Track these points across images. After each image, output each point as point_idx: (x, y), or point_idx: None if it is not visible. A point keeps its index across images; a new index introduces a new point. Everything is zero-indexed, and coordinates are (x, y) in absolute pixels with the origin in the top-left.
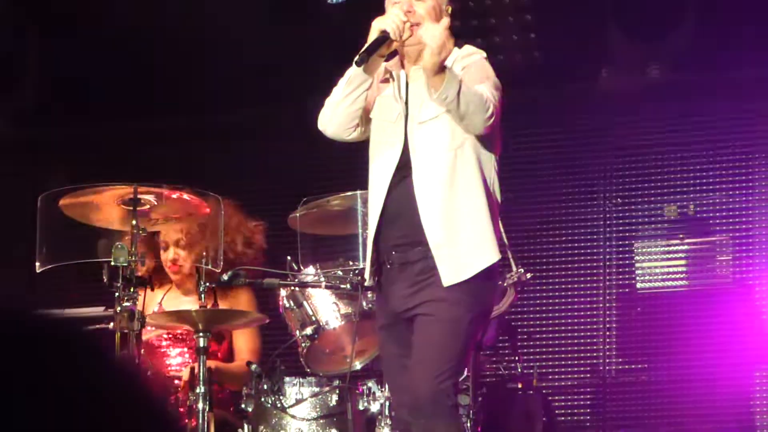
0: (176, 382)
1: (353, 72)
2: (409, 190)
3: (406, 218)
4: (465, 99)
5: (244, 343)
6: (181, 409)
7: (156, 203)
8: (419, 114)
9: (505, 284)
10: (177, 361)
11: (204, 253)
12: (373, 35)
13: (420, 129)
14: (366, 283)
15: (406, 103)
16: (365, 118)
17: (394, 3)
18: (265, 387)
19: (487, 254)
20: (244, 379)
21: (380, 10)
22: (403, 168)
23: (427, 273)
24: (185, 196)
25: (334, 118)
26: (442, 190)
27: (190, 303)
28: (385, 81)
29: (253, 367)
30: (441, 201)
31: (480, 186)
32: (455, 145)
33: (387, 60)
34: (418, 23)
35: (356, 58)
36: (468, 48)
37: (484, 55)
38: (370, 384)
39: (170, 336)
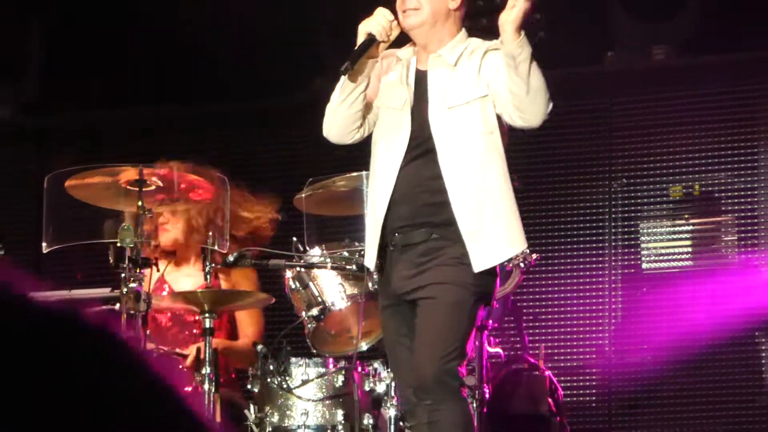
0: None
1: (342, 80)
2: (417, 173)
3: (411, 201)
4: (536, 71)
5: (248, 321)
6: (187, 388)
7: (162, 185)
8: (447, 99)
9: (510, 265)
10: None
11: (197, 228)
12: (360, 39)
13: (449, 114)
14: (367, 265)
15: (419, 89)
16: (370, 118)
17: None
18: (271, 368)
19: (517, 242)
20: (249, 357)
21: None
22: (411, 152)
23: (430, 255)
24: (190, 176)
25: (334, 123)
26: (474, 176)
27: (188, 280)
28: (393, 66)
29: (259, 347)
30: (473, 187)
31: (506, 174)
32: (487, 131)
33: (395, 47)
34: (416, 8)
35: (341, 68)
36: (491, 42)
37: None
38: (375, 365)
39: (173, 315)
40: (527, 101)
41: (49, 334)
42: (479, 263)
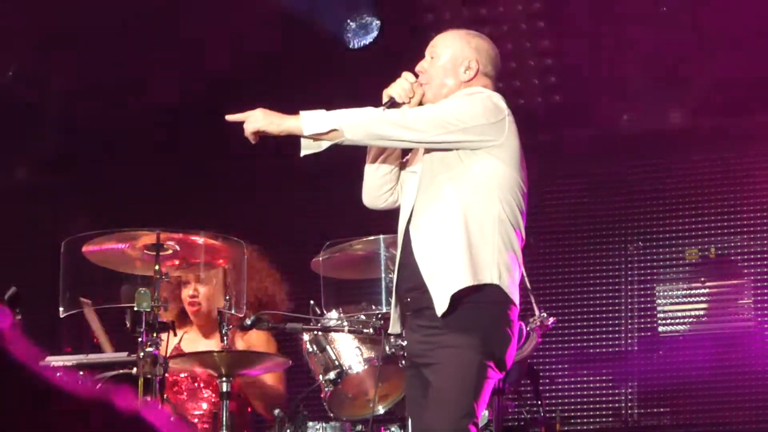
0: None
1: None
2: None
3: (413, 263)
4: (354, 124)
5: (272, 379)
6: None
7: (179, 249)
8: (424, 157)
9: (528, 328)
10: (201, 405)
11: (226, 295)
12: (384, 100)
13: (424, 170)
14: (391, 330)
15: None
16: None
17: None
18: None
19: (459, 278)
20: (272, 398)
21: (395, 58)
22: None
23: (436, 320)
24: (208, 241)
25: (365, 187)
26: (428, 225)
27: (208, 346)
28: None
29: (276, 411)
30: (425, 236)
31: (457, 215)
32: (443, 178)
33: None
34: (426, 83)
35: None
36: (471, 89)
37: (485, 94)
38: (393, 428)
39: (190, 379)
40: (393, 142)
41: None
42: (439, 305)
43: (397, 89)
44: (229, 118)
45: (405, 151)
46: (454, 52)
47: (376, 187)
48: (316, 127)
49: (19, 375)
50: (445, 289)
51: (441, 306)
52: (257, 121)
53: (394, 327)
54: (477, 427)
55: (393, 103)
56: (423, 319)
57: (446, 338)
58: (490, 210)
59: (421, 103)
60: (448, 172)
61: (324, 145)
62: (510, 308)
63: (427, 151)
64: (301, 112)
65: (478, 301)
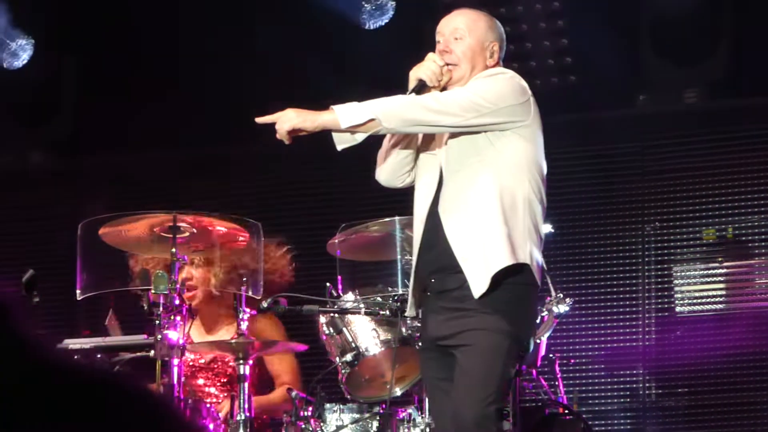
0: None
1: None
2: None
3: (442, 244)
4: (389, 112)
5: (281, 364)
6: None
7: (195, 231)
8: (447, 138)
9: (544, 309)
10: (212, 390)
11: (231, 276)
12: (411, 85)
13: (446, 151)
14: (407, 313)
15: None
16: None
17: (437, 42)
18: (306, 413)
19: (499, 258)
20: (288, 406)
21: (409, 39)
22: (438, 195)
23: (464, 301)
24: (223, 223)
25: (385, 168)
26: (460, 206)
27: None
28: None
29: (293, 393)
30: (460, 217)
31: (493, 195)
32: (475, 159)
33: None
34: (455, 64)
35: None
36: (492, 69)
37: (509, 74)
38: (410, 410)
39: (201, 365)
40: (434, 127)
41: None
42: (478, 286)
43: (427, 72)
44: (260, 120)
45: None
46: (479, 35)
47: (397, 168)
48: (352, 119)
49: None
50: (484, 270)
51: (480, 287)
52: (291, 120)
53: (412, 310)
54: (502, 413)
55: (422, 86)
56: (449, 300)
57: (477, 320)
58: (522, 191)
59: (445, 87)
60: (477, 155)
61: (360, 137)
62: (536, 290)
63: (453, 135)
64: (334, 106)
65: (510, 283)
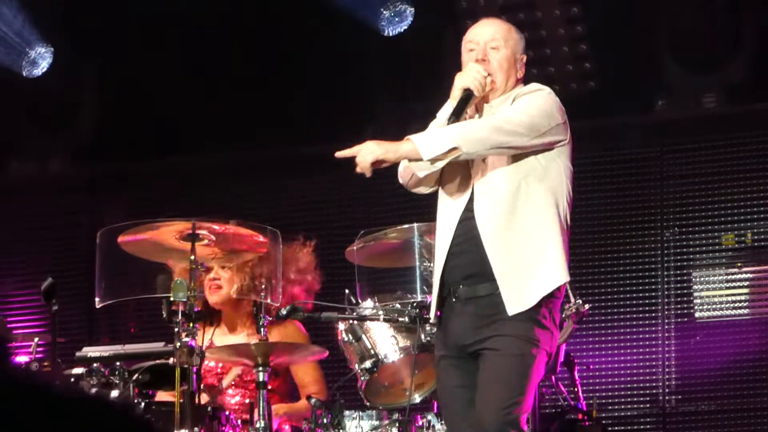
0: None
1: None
2: (476, 224)
3: (474, 251)
4: (469, 139)
5: (306, 374)
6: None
7: (214, 239)
8: None
9: (563, 315)
10: (235, 399)
11: (253, 283)
12: (455, 93)
13: (483, 163)
14: (431, 320)
15: None
16: None
17: (470, 50)
18: (325, 421)
19: (553, 278)
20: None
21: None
22: (471, 203)
23: (495, 308)
24: (243, 230)
25: (414, 179)
26: (502, 221)
27: (237, 341)
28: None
29: (313, 401)
30: (502, 231)
31: (549, 212)
32: (521, 174)
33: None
34: (491, 74)
35: (450, 124)
36: (531, 85)
37: (547, 91)
38: (429, 416)
39: (224, 373)
40: (505, 149)
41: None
42: (512, 306)
43: (474, 82)
44: (340, 154)
45: None
46: (513, 46)
47: (435, 175)
48: (434, 150)
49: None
50: (529, 287)
51: (520, 305)
52: (374, 152)
53: (433, 313)
54: (525, 421)
55: (469, 96)
56: (479, 307)
57: (508, 327)
58: (562, 209)
59: (485, 97)
60: (523, 169)
61: (440, 164)
62: (561, 301)
63: (480, 162)
64: (412, 137)
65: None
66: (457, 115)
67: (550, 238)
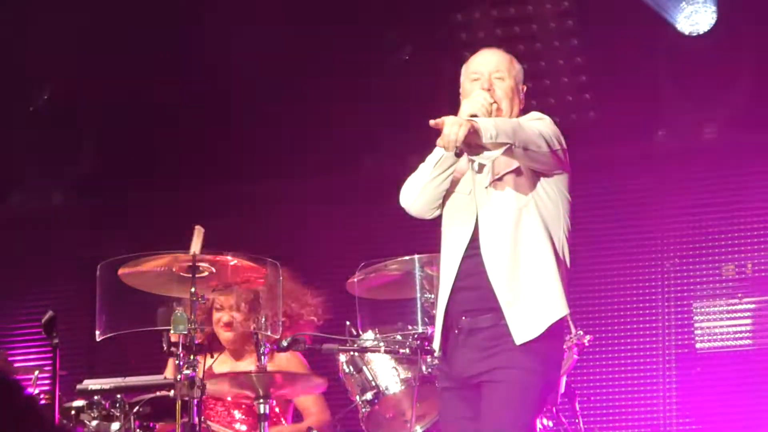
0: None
1: (447, 155)
2: (480, 256)
3: (478, 283)
4: (513, 136)
5: (307, 401)
6: None
7: (214, 271)
8: (485, 179)
9: (564, 346)
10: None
11: (260, 318)
12: (462, 117)
13: (487, 192)
14: (436, 353)
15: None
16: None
17: (474, 80)
18: None
19: (555, 308)
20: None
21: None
22: (476, 239)
23: (497, 339)
24: (243, 263)
25: (421, 197)
26: (507, 249)
27: (242, 368)
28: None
29: None
30: (507, 260)
31: (546, 243)
32: (521, 204)
33: None
34: (497, 102)
35: (455, 150)
36: (533, 113)
37: (548, 119)
38: None
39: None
40: (530, 153)
41: None
42: (520, 336)
43: (481, 109)
44: (433, 122)
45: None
46: (516, 76)
47: (436, 198)
48: (492, 134)
49: None
50: (534, 318)
51: (526, 334)
52: (463, 123)
53: (437, 345)
54: None
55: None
56: (481, 339)
57: (511, 359)
58: (562, 238)
59: None
60: (526, 200)
61: (491, 155)
62: (565, 333)
63: (497, 177)
64: (476, 119)
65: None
66: (459, 155)
67: (549, 270)
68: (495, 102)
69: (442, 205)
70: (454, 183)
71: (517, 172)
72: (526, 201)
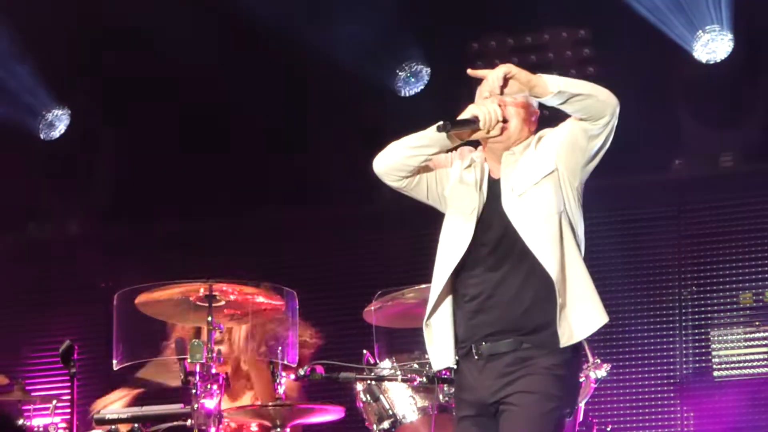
0: None
1: (431, 132)
2: (505, 277)
3: (501, 307)
4: (581, 86)
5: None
6: None
7: (230, 300)
8: (517, 187)
9: (582, 376)
10: None
11: (277, 347)
12: (465, 115)
13: (520, 200)
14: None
15: (492, 195)
16: (420, 180)
17: (486, 97)
18: None
19: (600, 315)
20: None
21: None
22: (470, 257)
23: (518, 364)
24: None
25: (389, 158)
26: (556, 252)
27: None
28: (468, 168)
29: None
30: (556, 269)
31: (580, 249)
32: (558, 209)
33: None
34: (506, 121)
35: (441, 123)
36: (547, 129)
37: None
38: None
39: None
40: (599, 104)
41: None
42: (564, 338)
43: (485, 115)
44: (472, 72)
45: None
46: (529, 99)
47: (402, 166)
48: (561, 86)
49: None
50: (585, 319)
51: (568, 340)
52: (510, 66)
53: (439, 363)
54: None
55: (472, 122)
56: (500, 364)
57: (531, 384)
58: (583, 249)
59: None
60: (552, 216)
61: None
62: (582, 359)
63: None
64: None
65: (568, 351)
66: (453, 124)
67: (588, 278)
68: (506, 119)
69: (444, 229)
70: (457, 201)
71: (549, 174)
72: (561, 206)
